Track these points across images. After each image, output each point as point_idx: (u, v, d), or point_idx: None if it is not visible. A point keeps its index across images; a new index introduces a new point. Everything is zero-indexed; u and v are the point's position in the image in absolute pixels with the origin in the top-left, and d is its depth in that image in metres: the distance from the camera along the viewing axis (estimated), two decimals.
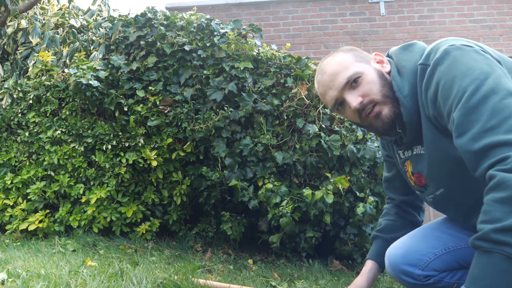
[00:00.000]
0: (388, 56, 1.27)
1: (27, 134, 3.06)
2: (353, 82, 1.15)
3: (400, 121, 1.18)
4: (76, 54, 3.34)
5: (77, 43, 3.61)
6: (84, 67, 2.98)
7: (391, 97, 1.15)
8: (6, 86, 3.27)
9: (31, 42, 3.73)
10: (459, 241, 1.31)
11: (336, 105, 1.21)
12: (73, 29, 3.88)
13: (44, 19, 4.10)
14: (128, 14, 3.42)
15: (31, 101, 3.11)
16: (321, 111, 2.79)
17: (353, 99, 1.15)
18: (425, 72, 1.09)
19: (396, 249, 1.37)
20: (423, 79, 1.10)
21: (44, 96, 3.10)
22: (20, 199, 2.92)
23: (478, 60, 1.00)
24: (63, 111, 3.04)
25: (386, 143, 1.43)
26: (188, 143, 2.93)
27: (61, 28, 3.99)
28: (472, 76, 0.97)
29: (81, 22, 4.06)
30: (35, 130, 3.06)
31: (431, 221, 1.44)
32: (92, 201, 2.78)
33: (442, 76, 1.03)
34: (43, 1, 4.39)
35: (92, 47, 3.58)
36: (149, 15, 3.20)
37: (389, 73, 1.19)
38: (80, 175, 2.91)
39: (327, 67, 1.20)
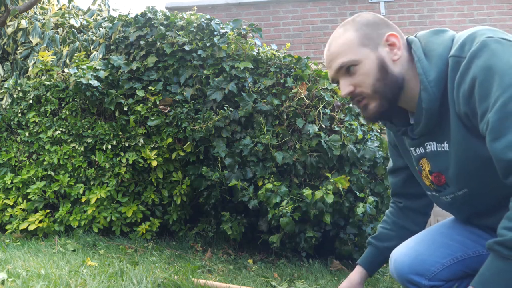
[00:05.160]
0: (415, 37, 1.18)
1: (27, 134, 3.06)
2: (347, 70, 1.13)
3: (418, 110, 1.11)
4: (76, 54, 3.34)
5: (77, 43, 3.61)
6: (84, 67, 2.98)
7: (381, 93, 1.11)
8: (6, 86, 3.26)
9: (31, 42, 3.73)
10: (467, 249, 1.27)
11: (334, 82, 1.20)
12: (73, 29, 3.87)
13: (44, 19, 4.10)
14: (128, 14, 3.42)
15: (31, 101, 3.11)
16: (321, 111, 2.79)
17: (344, 87, 1.14)
18: (459, 65, 1.00)
19: (403, 256, 1.32)
20: (456, 73, 1.01)
21: (44, 96, 3.10)
22: (20, 199, 2.92)
23: None
24: (63, 111, 3.04)
25: (396, 135, 1.36)
26: (188, 143, 2.93)
27: (61, 28, 3.99)
28: None
29: (81, 22, 4.06)
30: (35, 130, 3.05)
31: (438, 223, 1.40)
32: (92, 201, 2.78)
33: (480, 72, 0.94)
34: (43, 1, 4.38)
35: (92, 47, 3.58)
36: (149, 15, 3.20)
37: (397, 60, 1.12)
38: (80, 175, 2.91)
39: (332, 44, 1.17)
